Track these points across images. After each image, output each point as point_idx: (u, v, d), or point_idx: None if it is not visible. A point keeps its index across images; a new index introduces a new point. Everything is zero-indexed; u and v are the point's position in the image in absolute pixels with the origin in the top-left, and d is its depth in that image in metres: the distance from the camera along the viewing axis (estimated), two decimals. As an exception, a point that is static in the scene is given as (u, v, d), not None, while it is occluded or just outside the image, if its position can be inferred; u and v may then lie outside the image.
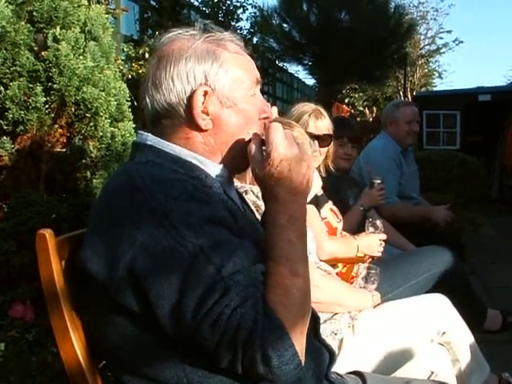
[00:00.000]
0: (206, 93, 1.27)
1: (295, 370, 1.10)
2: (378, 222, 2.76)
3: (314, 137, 2.63)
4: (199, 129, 1.29)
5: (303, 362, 1.13)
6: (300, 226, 1.19)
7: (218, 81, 1.28)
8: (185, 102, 1.27)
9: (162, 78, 1.28)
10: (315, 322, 1.45)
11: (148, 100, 1.31)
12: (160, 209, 1.12)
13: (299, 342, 1.11)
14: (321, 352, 1.41)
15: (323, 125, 2.70)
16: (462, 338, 2.10)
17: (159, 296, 1.09)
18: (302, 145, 1.26)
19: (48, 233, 1.28)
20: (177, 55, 1.28)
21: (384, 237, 2.69)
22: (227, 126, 1.30)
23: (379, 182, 3.27)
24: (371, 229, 2.73)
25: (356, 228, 3.01)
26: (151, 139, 1.30)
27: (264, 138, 1.26)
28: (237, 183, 1.74)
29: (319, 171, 2.85)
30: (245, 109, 1.31)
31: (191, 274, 1.07)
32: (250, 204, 1.60)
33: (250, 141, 1.29)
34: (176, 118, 1.29)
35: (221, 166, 1.32)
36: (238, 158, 1.31)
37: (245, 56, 1.35)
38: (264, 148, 1.25)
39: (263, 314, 1.07)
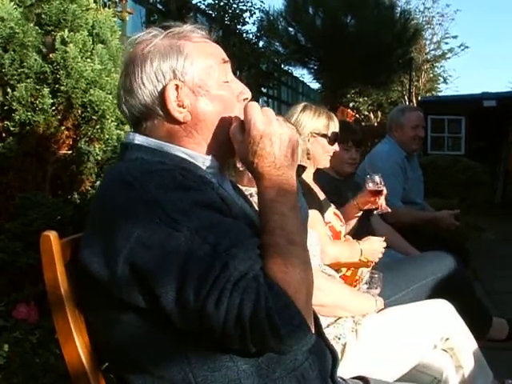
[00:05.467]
0: (177, 86, 1.29)
1: (305, 338, 1.09)
2: (377, 178, 2.75)
3: (323, 135, 2.66)
4: (179, 122, 1.30)
5: (313, 330, 1.12)
6: (291, 198, 1.20)
7: (186, 73, 1.29)
8: (158, 99, 1.29)
9: (133, 83, 1.30)
10: (316, 322, 1.44)
11: (125, 107, 1.33)
12: (151, 200, 1.12)
13: (305, 310, 1.10)
14: (324, 352, 1.41)
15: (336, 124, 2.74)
16: (466, 344, 2.10)
17: (162, 285, 1.09)
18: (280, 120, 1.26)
19: (52, 235, 1.28)
20: (141, 57, 1.30)
21: (383, 243, 2.68)
22: (205, 115, 1.30)
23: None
24: (371, 184, 2.72)
25: (356, 228, 3.00)
26: (138, 138, 1.32)
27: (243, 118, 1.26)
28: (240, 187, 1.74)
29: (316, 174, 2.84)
30: (219, 94, 1.32)
31: (189, 257, 1.08)
32: (255, 205, 1.60)
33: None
34: (155, 117, 1.31)
35: (210, 157, 1.32)
36: (224, 144, 1.31)
37: (208, 42, 1.36)
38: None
39: (265, 285, 1.06)
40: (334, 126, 2.71)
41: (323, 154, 2.70)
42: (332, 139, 2.69)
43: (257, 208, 1.31)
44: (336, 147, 2.74)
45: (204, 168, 1.30)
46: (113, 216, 1.16)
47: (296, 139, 1.26)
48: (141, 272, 1.11)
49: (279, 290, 1.07)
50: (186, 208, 1.12)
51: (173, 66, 1.29)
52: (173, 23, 1.37)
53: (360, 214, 2.93)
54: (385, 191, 2.76)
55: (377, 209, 2.84)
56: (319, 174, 2.86)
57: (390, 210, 2.88)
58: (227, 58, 1.37)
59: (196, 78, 1.30)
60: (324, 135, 2.68)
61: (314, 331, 1.16)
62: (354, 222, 2.97)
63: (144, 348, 1.20)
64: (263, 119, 1.22)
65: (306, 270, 1.13)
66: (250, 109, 1.24)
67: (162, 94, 1.29)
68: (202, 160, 1.31)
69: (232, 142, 1.28)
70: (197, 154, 1.31)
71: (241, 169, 1.85)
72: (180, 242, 1.09)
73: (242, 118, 1.27)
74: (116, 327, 1.22)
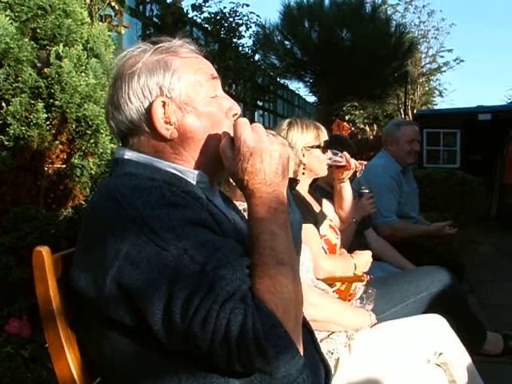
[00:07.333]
0: (164, 103, 1.28)
1: (293, 360, 1.07)
2: (336, 157, 2.86)
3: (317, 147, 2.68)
4: (165, 139, 1.29)
5: (301, 352, 1.11)
6: (281, 216, 1.18)
7: (172, 89, 1.29)
8: (145, 116, 1.28)
9: (120, 99, 1.30)
10: (311, 335, 1.44)
11: (112, 123, 1.33)
12: (139, 217, 1.11)
13: (294, 330, 1.09)
14: (318, 367, 1.40)
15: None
16: (459, 358, 2.09)
17: (149, 304, 1.08)
18: (271, 135, 1.25)
19: (45, 250, 1.29)
20: (129, 73, 1.29)
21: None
22: (192, 132, 1.29)
23: (367, 191, 3.29)
24: (328, 161, 2.77)
25: (350, 242, 3.02)
26: (128, 154, 1.31)
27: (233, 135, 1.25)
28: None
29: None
30: (207, 111, 1.31)
31: (177, 277, 1.07)
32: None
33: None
34: (141, 133, 1.30)
35: (199, 172, 1.31)
36: (213, 160, 1.31)
37: (197, 57, 1.36)
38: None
39: (252, 306, 1.05)
40: (324, 135, 2.75)
41: (320, 164, 2.74)
42: (325, 147, 2.72)
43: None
44: (330, 154, 2.77)
45: (194, 183, 1.29)
46: (100, 234, 1.15)
47: (287, 156, 1.24)
48: (128, 291, 1.10)
49: (267, 311, 1.06)
50: (174, 226, 1.11)
51: (159, 82, 1.28)
52: (163, 38, 1.36)
53: (347, 190, 3.02)
54: (349, 159, 2.89)
55: (355, 174, 3.00)
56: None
57: (364, 162, 2.99)
58: (216, 74, 1.36)
59: (183, 95, 1.29)
60: (317, 146, 2.70)
61: (308, 346, 1.15)
62: (349, 203, 3.03)
63: (134, 365, 1.19)
64: (253, 136, 1.21)
65: (294, 290, 1.12)
66: (239, 125, 1.23)
67: (148, 111, 1.28)
68: (192, 175, 1.30)
69: (221, 158, 1.26)
70: (186, 169, 1.30)
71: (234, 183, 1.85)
72: (168, 260, 1.08)
73: (232, 134, 1.26)
74: (105, 344, 1.21)
